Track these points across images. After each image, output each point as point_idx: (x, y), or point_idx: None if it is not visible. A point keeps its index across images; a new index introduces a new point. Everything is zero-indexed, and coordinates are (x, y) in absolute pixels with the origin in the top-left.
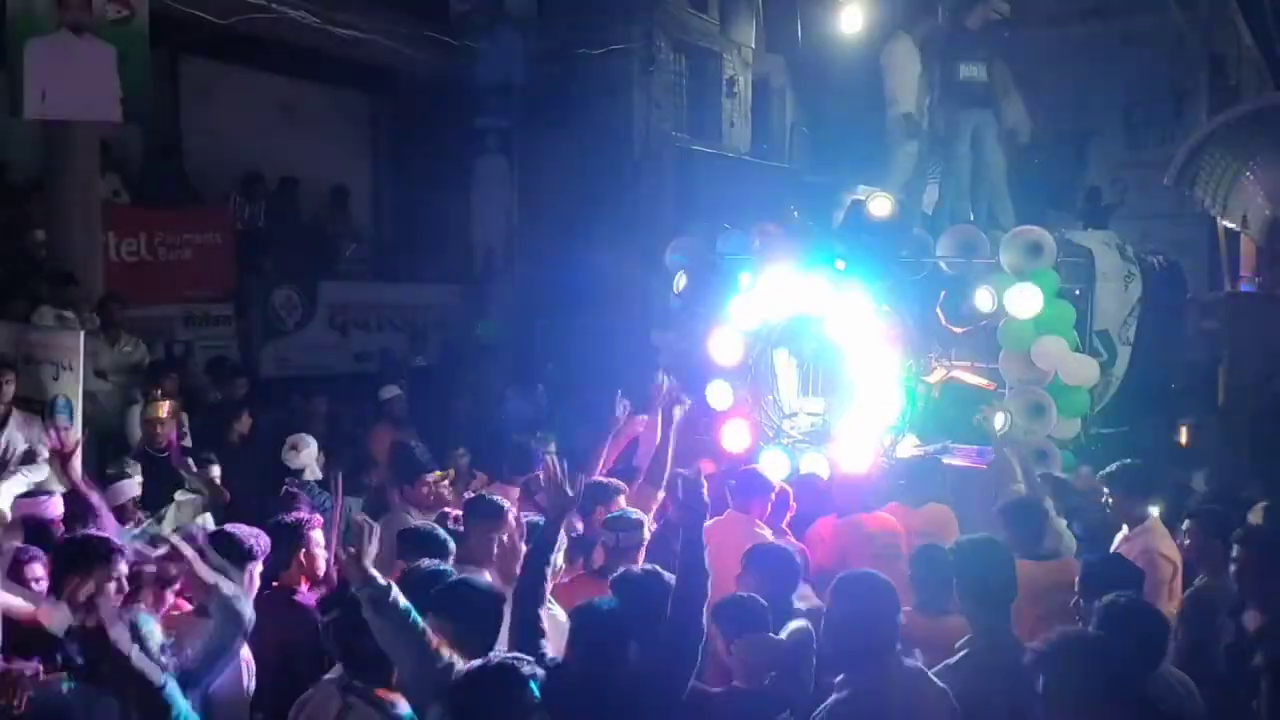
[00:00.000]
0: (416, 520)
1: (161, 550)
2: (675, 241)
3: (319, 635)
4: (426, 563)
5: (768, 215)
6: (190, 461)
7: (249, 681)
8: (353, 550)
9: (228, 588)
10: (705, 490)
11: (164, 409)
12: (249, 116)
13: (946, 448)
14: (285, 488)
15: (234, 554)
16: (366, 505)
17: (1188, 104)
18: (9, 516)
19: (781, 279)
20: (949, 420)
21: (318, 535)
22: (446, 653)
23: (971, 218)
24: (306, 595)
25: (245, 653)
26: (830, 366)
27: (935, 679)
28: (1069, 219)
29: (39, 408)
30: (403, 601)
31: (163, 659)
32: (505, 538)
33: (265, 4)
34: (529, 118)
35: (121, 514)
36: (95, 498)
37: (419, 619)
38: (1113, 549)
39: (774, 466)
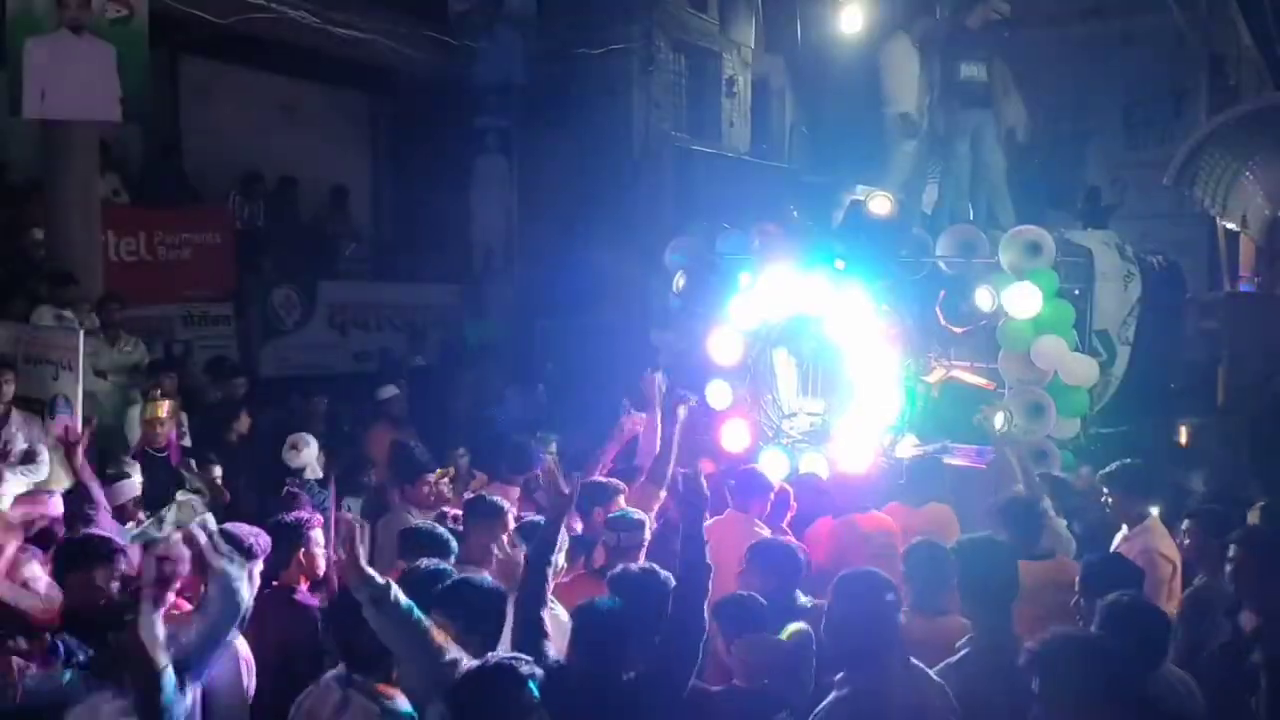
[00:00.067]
0: (417, 520)
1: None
2: (675, 241)
3: (319, 634)
4: (426, 562)
5: (767, 215)
6: (192, 462)
7: (249, 680)
8: (344, 553)
9: (233, 570)
10: (705, 484)
11: (163, 409)
12: (249, 116)
13: (946, 447)
14: (287, 488)
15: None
16: (366, 505)
17: (1187, 104)
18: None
19: (781, 279)
20: (948, 420)
21: (317, 535)
22: (452, 648)
23: (971, 217)
24: (306, 594)
25: (245, 651)
26: (830, 366)
27: (935, 678)
28: (1068, 219)
29: (39, 407)
30: (404, 599)
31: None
32: (500, 551)
33: (265, 4)
34: (529, 117)
35: (122, 514)
36: (97, 490)
37: (422, 616)
38: (1112, 549)
39: (773, 466)
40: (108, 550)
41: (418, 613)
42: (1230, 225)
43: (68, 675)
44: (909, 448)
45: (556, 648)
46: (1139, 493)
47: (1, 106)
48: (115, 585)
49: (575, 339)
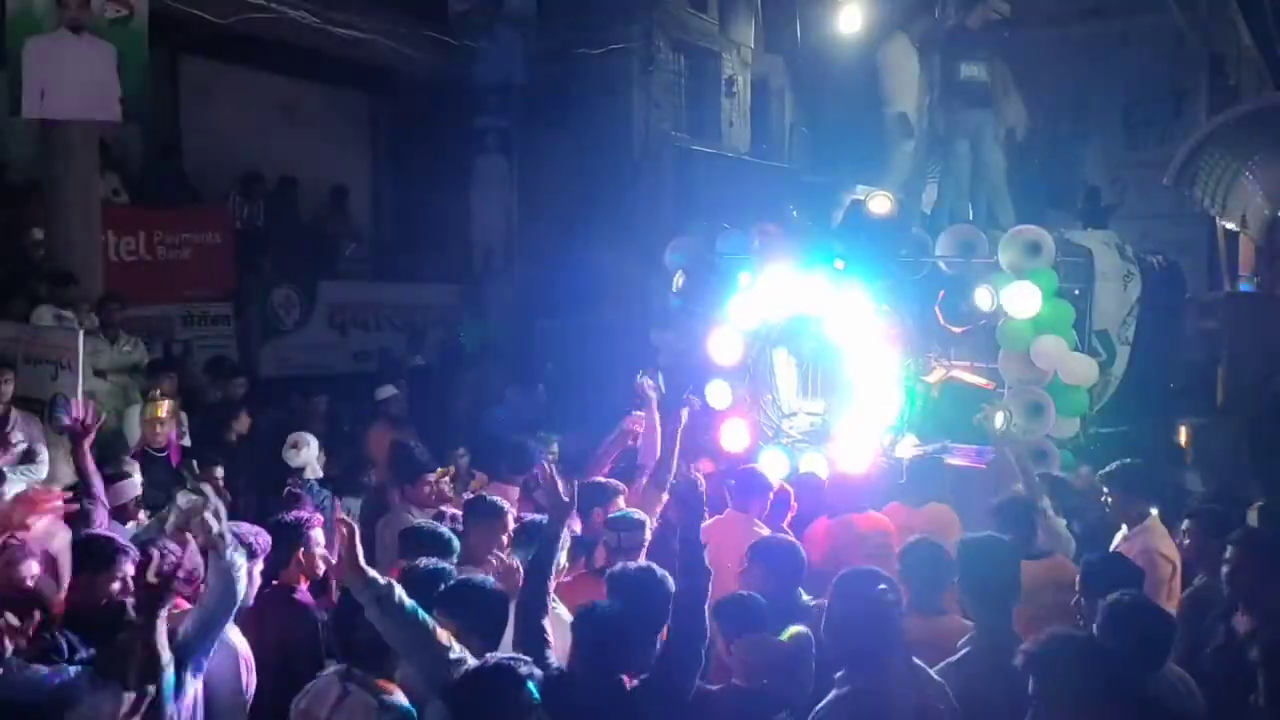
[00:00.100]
0: (418, 519)
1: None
2: (674, 241)
3: (319, 633)
4: (425, 561)
5: (767, 215)
6: (194, 463)
7: (248, 678)
8: (344, 556)
9: (238, 561)
10: (703, 488)
11: (163, 408)
12: (249, 116)
13: (946, 447)
14: (289, 488)
15: None
16: (366, 505)
17: (1187, 104)
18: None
19: (781, 279)
20: (948, 420)
21: (317, 534)
22: (458, 647)
23: (971, 217)
24: (306, 594)
25: (245, 649)
26: (829, 366)
27: (936, 677)
28: (1068, 219)
29: (38, 407)
30: (408, 600)
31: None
32: (498, 560)
33: (265, 4)
34: (528, 117)
35: (122, 514)
36: (98, 484)
37: (426, 615)
38: (1112, 548)
39: (773, 466)
40: (111, 550)
41: (422, 612)
42: (1230, 225)
43: (72, 672)
44: (909, 448)
45: (558, 646)
46: (1139, 492)
47: (1, 106)
48: (117, 586)
49: (575, 339)
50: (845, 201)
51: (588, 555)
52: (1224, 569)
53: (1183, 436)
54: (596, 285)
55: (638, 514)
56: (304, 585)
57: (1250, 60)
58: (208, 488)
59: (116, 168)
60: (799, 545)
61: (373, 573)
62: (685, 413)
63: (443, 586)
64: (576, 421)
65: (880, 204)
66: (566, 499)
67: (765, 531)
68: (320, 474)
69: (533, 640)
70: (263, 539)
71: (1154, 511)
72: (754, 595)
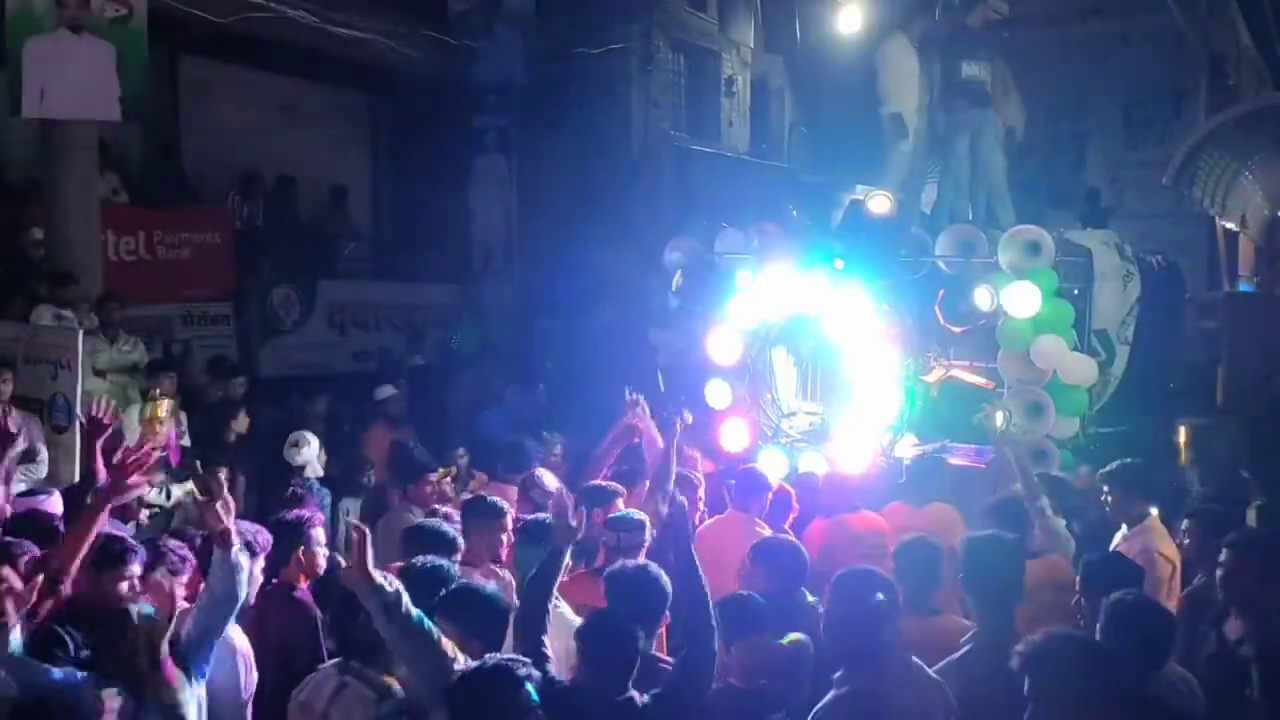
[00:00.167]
0: (419, 519)
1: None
2: (674, 241)
3: (318, 631)
4: (423, 559)
5: (766, 215)
6: (197, 464)
7: (248, 676)
8: (355, 561)
9: (243, 559)
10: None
11: (163, 408)
12: (248, 116)
13: (945, 447)
14: (291, 488)
15: None
16: (365, 505)
17: (1187, 104)
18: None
19: (780, 278)
20: (948, 420)
21: (318, 533)
22: (462, 658)
23: (970, 217)
24: (306, 592)
25: (244, 647)
26: (829, 366)
27: (935, 676)
28: (1068, 218)
29: (38, 407)
30: (415, 609)
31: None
32: (494, 578)
33: (265, 3)
34: (528, 117)
35: (123, 514)
36: (105, 480)
37: (431, 625)
38: (1112, 548)
39: (773, 466)
40: (120, 549)
41: (428, 621)
42: (1229, 225)
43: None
44: (909, 447)
45: (559, 646)
46: (1139, 492)
47: (1, 106)
48: (125, 586)
49: (575, 339)
50: (845, 201)
51: (588, 558)
52: (1219, 572)
53: (1182, 436)
54: (596, 285)
55: (637, 514)
56: (304, 584)
57: (1250, 60)
58: (217, 481)
59: (116, 167)
60: (801, 546)
61: (382, 580)
62: (679, 425)
63: (443, 588)
64: (576, 421)
65: (880, 204)
66: (574, 524)
67: (767, 531)
68: (321, 473)
69: (533, 657)
70: (263, 537)
71: (1154, 511)
72: (754, 595)
